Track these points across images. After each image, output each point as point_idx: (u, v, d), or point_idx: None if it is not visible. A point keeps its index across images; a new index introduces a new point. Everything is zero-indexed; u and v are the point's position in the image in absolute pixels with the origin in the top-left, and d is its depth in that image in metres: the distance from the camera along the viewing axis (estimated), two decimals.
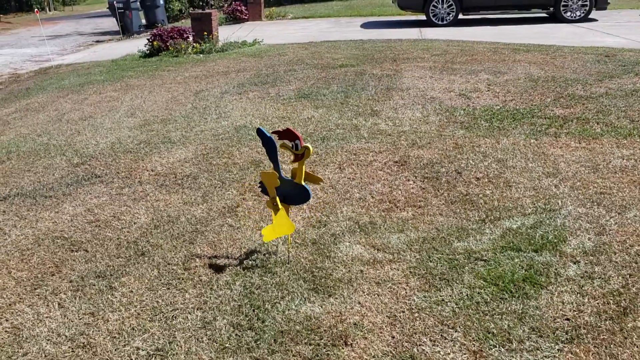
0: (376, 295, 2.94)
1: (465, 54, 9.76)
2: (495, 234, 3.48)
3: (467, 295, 2.89)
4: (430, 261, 3.23)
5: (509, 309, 2.77)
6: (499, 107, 6.26)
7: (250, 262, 3.31)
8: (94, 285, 3.18)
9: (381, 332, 2.66)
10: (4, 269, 3.42)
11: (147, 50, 11.69)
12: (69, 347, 2.68)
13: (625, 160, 4.54)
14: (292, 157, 3.14)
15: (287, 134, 3.07)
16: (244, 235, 3.63)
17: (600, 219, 3.61)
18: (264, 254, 3.39)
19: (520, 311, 2.75)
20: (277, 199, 3.16)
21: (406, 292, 2.96)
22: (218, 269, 3.25)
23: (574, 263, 3.14)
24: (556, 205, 3.82)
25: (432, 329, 2.66)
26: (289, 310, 2.85)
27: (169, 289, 3.10)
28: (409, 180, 4.38)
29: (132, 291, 3.10)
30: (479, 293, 2.91)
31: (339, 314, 2.80)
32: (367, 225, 3.68)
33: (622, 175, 4.25)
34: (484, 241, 3.41)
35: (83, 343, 2.70)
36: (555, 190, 4.05)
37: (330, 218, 3.80)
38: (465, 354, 2.50)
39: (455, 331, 2.64)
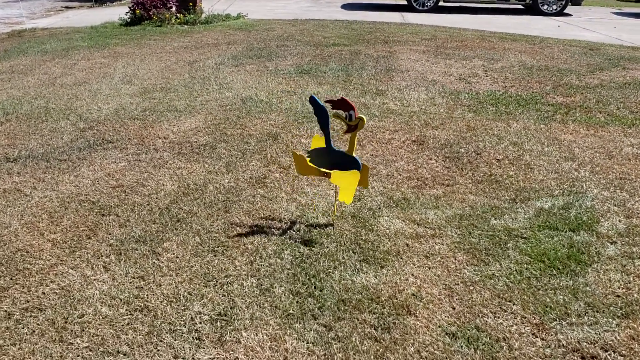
0: (427, 268, 2.97)
1: (455, 39, 9.84)
2: (529, 213, 3.55)
3: (516, 270, 2.95)
4: (472, 237, 3.27)
5: (560, 284, 2.84)
6: (501, 93, 6.35)
7: (293, 232, 3.29)
8: (136, 249, 3.10)
9: (441, 303, 2.69)
10: (35, 230, 3.30)
11: (129, 18, 11.36)
12: (127, 310, 2.62)
13: (635, 149, 4.69)
14: (344, 128, 3.11)
15: (342, 104, 3.04)
16: (280, 206, 3.60)
17: (625, 203, 3.72)
18: (306, 225, 3.37)
19: (571, 287, 2.82)
20: (324, 170, 3.15)
21: (456, 266, 2.99)
22: (262, 238, 3.22)
23: (611, 243, 3.24)
24: (581, 188, 3.92)
25: (490, 302, 2.71)
26: (344, 280, 2.85)
27: (215, 255, 3.05)
28: (430, 159, 4.42)
29: (177, 257, 3.04)
30: (527, 269, 2.97)
31: (395, 285, 2.82)
32: (401, 200, 3.70)
33: (636, 163, 4.39)
34: (520, 220, 3.47)
35: (140, 306, 2.64)
36: (577, 174, 4.15)
37: (364, 193, 3.80)
38: (527, 326, 2.55)
39: (514, 304, 2.69)
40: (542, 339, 2.48)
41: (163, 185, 3.90)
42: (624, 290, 2.81)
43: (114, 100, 5.94)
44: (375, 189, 3.86)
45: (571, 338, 2.48)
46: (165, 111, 5.53)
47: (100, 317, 2.57)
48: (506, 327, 2.55)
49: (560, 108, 5.80)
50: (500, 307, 2.67)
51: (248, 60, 7.86)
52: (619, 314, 2.64)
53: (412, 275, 2.91)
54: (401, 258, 3.05)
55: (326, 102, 3.11)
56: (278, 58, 7.99)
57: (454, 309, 2.66)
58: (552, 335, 2.50)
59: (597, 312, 2.65)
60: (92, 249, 3.11)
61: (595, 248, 3.18)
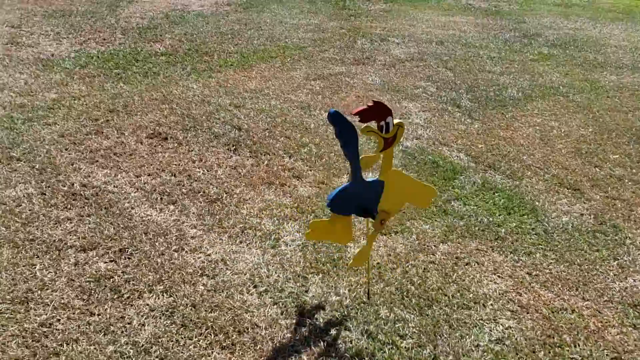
0: (491, 281, 2.39)
1: None
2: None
3: (518, 229, 2.74)
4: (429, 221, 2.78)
5: (548, 229, 2.79)
6: (102, 51, 5.12)
7: (315, 322, 2.03)
8: None
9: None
10: None
11: None
12: None
13: (309, 81, 4.76)
14: (379, 145, 1.95)
15: (376, 111, 1.87)
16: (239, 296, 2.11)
17: (438, 143, 3.78)
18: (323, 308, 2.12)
19: (557, 227, 2.86)
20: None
21: (503, 259, 2.51)
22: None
23: (494, 170, 3.34)
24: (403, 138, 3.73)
25: (553, 287, 2.43)
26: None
27: None
28: (215, 155, 3.35)
29: None
30: (518, 226, 2.85)
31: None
32: (296, 215, 2.75)
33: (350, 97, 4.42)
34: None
35: None
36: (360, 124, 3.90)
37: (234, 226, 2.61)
38: (596, 304, 2.37)
39: (561, 286, 2.50)
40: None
41: None
42: (579, 215, 3.00)
43: None
44: (238, 218, 2.70)
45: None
46: None
47: None
48: (586, 318, 2.29)
49: (191, 57, 5.14)
50: (561, 297, 2.43)
51: None
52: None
53: (489, 296, 2.28)
54: (440, 300, 2.34)
55: (356, 113, 1.84)
56: None
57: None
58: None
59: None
60: None
61: (500, 185, 3.23)
